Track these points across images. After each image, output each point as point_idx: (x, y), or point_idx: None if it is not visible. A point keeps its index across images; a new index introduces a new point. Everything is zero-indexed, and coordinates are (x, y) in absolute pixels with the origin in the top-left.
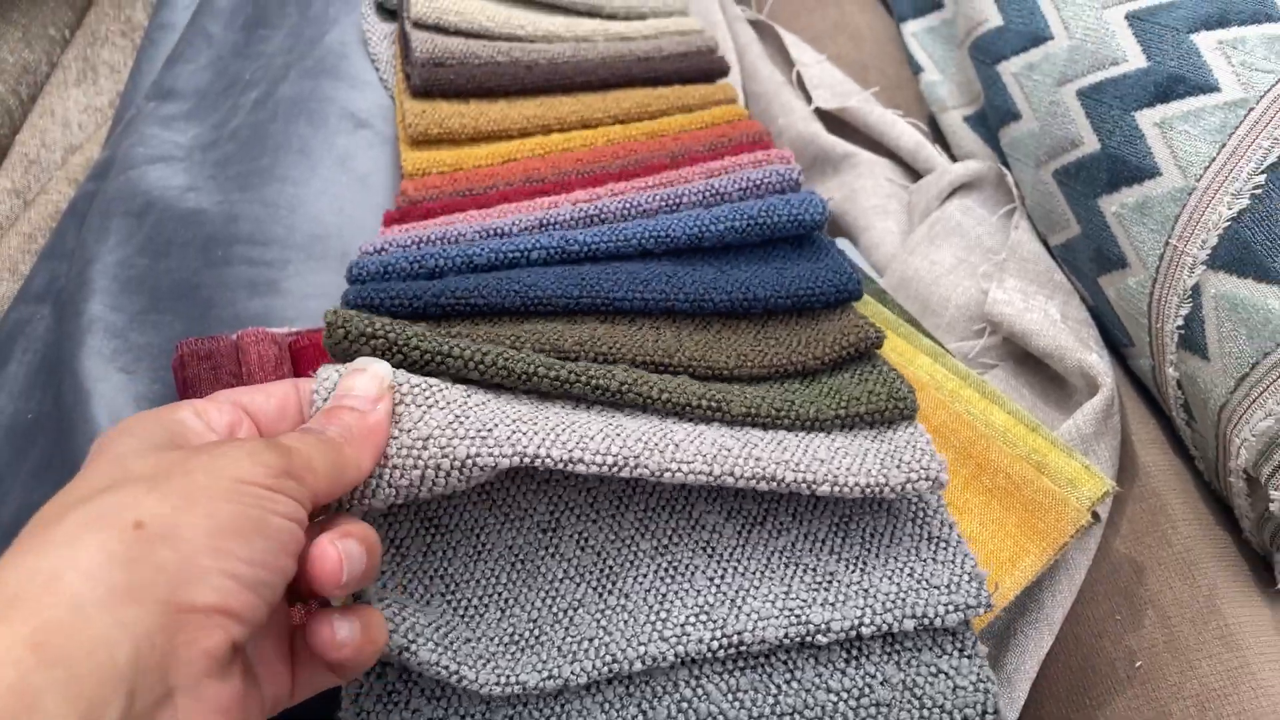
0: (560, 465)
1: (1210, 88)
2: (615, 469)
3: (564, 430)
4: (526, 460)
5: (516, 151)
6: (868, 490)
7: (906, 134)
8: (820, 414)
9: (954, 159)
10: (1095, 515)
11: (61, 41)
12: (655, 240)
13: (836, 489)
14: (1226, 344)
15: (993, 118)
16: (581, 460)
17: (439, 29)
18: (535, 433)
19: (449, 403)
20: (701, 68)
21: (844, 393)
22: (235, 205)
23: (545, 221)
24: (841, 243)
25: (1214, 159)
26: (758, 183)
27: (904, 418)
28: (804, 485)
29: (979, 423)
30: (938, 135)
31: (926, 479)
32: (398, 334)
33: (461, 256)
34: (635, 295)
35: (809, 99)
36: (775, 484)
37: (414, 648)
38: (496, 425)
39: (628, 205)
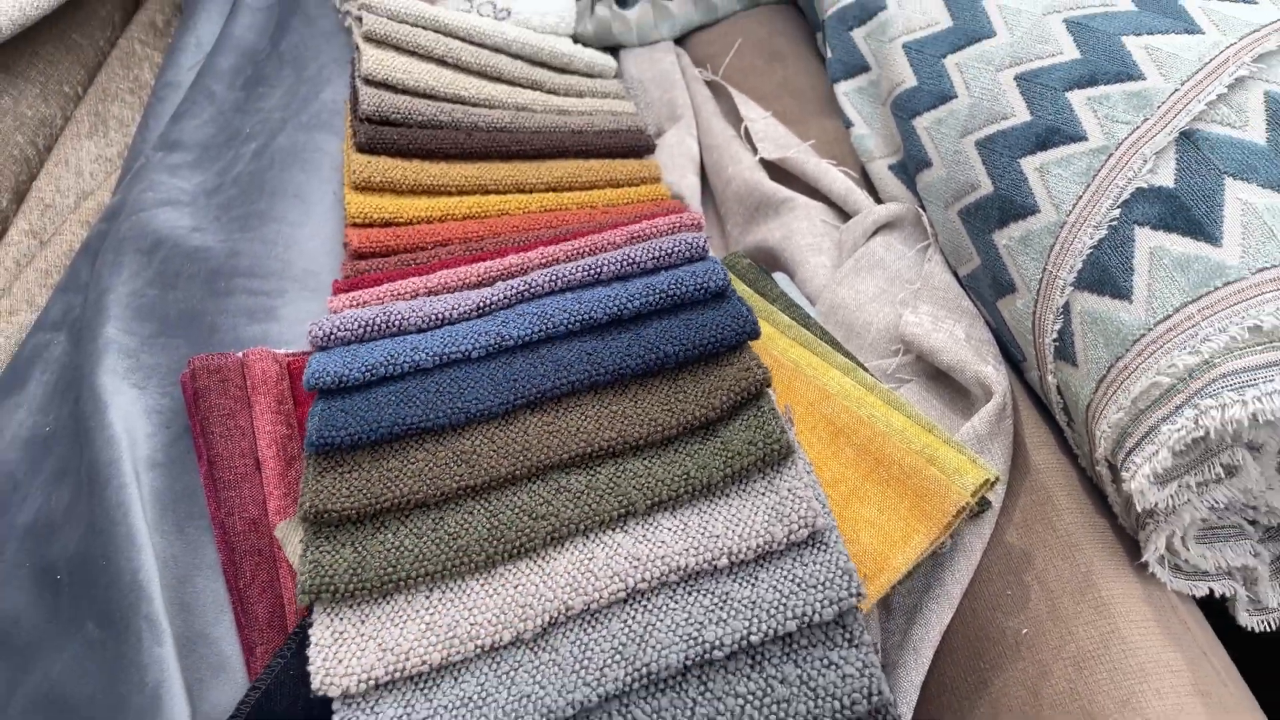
0: (513, 640)
1: (1080, 137)
2: (556, 620)
3: (509, 608)
4: (486, 648)
5: (455, 208)
6: (758, 551)
7: (838, 181)
8: (711, 478)
9: (880, 202)
10: (987, 502)
11: (75, 97)
12: (580, 323)
13: (732, 558)
14: (1089, 352)
15: (910, 166)
16: (528, 630)
17: (387, 86)
18: (488, 621)
19: (418, 614)
20: (629, 144)
21: (730, 448)
22: (237, 243)
23: (482, 306)
24: (779, 276)
25: (1081, 197)
26: (669, 252)
27: (782, 457)
28: (705, 565)
29: (880, 424)
30: (867, 182)
31: (805, 527)
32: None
33: (410, 363)
34: (562, 381)
35: (755, 150)
36: (682, 573)
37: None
38: (458, 624)
39: (554, 279)
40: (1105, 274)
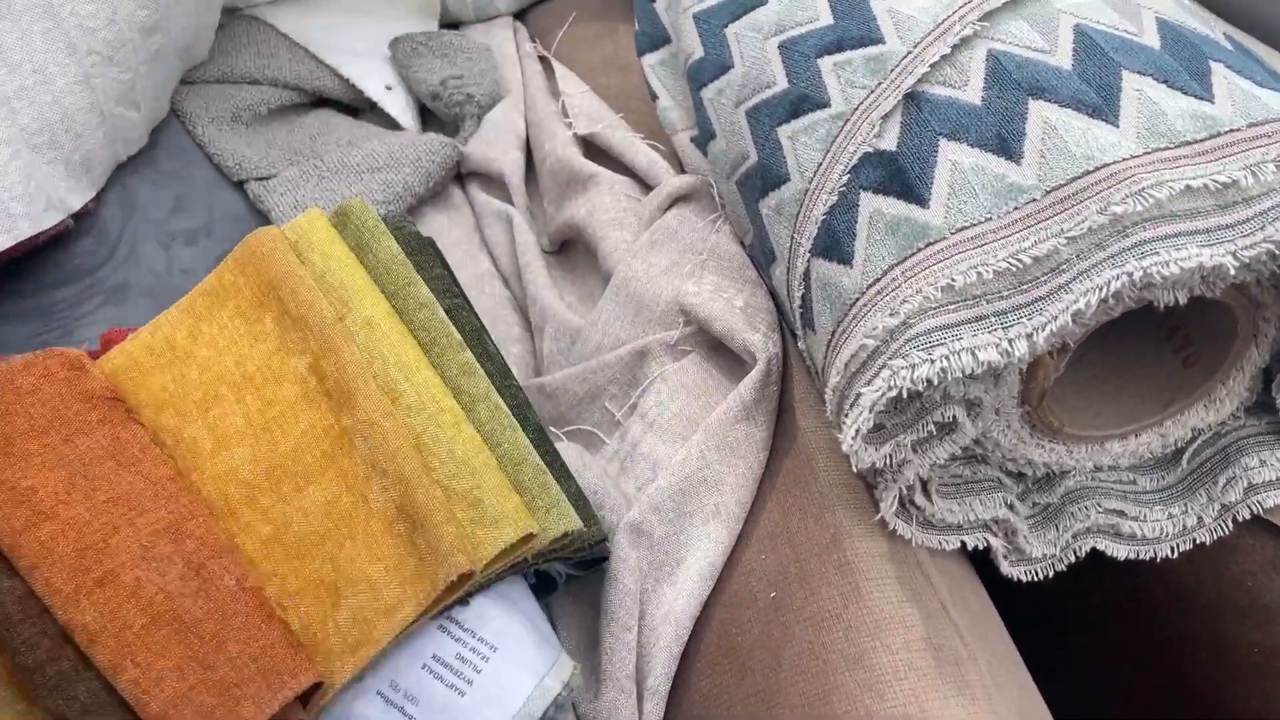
0: None
1: (824, 104)
2: None
3: None
4: None
5: None
6: None
7: (643, 154)
8: None
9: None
10: (605, 549)
11: None
12: None
13: None
14: (820, 318)
15: (701, 137)
16: None
17: None
18: None
19: None
20: None
21: None
22: None
23: None
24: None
25: (820, 164)
26: None
27: None
28: None
29: (430, 455)
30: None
31: None
32: None
33: None
34: None
35: (570, 125)
36: None
37: None
38: None
39: None
40: (834, 239)
